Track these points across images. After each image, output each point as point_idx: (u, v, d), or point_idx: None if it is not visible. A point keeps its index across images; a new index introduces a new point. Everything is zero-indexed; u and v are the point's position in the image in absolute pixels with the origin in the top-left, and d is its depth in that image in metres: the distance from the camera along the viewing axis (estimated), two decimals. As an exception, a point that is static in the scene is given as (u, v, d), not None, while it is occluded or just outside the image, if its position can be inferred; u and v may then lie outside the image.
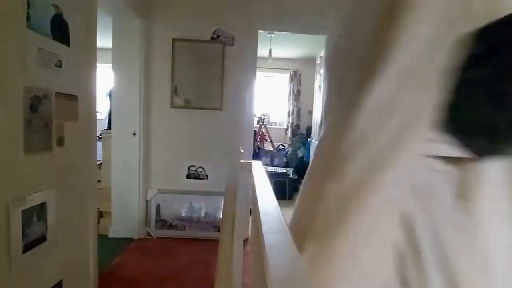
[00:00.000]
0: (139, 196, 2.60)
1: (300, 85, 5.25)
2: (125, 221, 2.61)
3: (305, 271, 0.32)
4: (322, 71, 2.95)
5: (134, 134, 2.54)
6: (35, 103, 1.18)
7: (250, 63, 2.66)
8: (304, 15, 2.63)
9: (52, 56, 1.27)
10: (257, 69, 2.74)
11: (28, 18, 1.13)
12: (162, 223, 2.68)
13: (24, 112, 1.13)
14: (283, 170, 4.40)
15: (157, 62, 2.62)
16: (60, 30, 1.32)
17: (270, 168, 4.42)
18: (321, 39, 2.93)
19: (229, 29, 2.61)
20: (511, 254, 0.40)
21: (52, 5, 1.27)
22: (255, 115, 3.34)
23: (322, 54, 2.99)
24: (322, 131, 0.58)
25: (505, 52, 0.37)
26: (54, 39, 1.28)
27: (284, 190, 4.26)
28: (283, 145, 5.05)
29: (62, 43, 1.34)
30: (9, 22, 1.07)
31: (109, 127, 2.74)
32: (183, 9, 2.60)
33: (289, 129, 5.31)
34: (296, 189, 3.40)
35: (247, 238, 2.36)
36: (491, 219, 0.40)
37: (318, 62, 3.40)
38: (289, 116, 5.32)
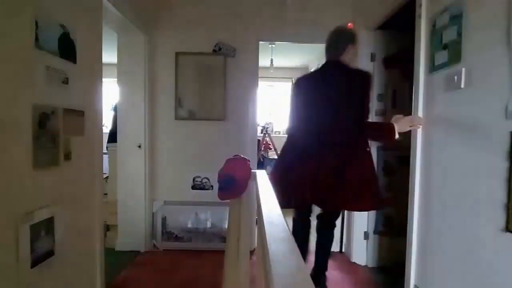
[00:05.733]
0: (145, 208, 2.60)
1: (302, 93, 5.28)
2: (131, 234, 2.61)
3: (309, 280, 0.32)
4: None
5: (140, 146, 2.57)
6: (43, 120, 1.21)
7: (252, 73, 2.70)
8: (303, 24, 2.67)
9: (59, 74, 1.31)
10: (259, 79, 2.77)
11: (36, 38, 1.17)
12: (168, 235, 2.68)
13: (33, 128, 1.16)
14: (288, 178, 4.37)
15: (161, 75, 2.68)
16: (67, 48, 1.36)
17: (275, 177, 4.39)
18: (321, 47, 2.95)
19: (230, 41, 2.66)
20: None
21: (60, 25, 1.31)
22: (258, 124, 3.35)
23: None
24: None
25: None
26: (61, 57, 1.32)
27: (290, 198, 4.23)
28: (287, 154, 5.03)
29: (69, 60, 1.38)
30: (18, 42, 1.11)
31: (112, 140, 2.78)
32: (185, 23, 2.67)
33: (293, 137, 5.31)
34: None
35: (254, 249, 2.34)
36: None
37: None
38: (292, 124, 5.33)
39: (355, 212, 2.47)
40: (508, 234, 1.02)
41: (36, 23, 1.16)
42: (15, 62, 1.09)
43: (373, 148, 2.43)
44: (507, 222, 1.02)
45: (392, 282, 2.08)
